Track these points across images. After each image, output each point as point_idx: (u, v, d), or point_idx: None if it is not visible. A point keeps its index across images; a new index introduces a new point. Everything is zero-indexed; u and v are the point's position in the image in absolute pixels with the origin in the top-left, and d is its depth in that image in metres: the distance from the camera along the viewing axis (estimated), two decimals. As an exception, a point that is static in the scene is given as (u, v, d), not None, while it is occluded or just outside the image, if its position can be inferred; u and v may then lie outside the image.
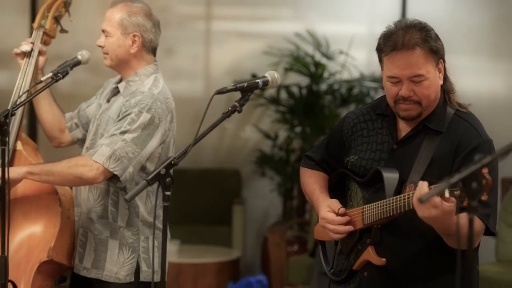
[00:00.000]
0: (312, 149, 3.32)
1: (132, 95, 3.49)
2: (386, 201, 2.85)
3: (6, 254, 3.25)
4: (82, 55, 3.59)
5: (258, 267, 7.39)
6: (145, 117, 3.41)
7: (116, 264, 3.51)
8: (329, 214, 3.01)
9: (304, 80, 7.13)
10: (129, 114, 3.42)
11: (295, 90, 7.14)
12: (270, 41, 7.33)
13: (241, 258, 6.97)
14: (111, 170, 3.36)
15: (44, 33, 3.73)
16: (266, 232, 6.90)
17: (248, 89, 2.93)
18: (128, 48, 3.53)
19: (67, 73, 3.50)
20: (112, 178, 3.41)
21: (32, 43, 3.69)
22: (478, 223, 2.80)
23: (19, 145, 3.60)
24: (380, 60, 2.92)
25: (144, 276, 3.51)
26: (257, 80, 2.96)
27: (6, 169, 3.22)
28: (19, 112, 3.58)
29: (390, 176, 2.90)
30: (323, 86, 7.10)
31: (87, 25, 6.70)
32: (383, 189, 2.89)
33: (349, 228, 2.99)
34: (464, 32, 7.12)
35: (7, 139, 3.24)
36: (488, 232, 2.85)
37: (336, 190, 3.17)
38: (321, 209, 3.06)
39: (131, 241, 3.51)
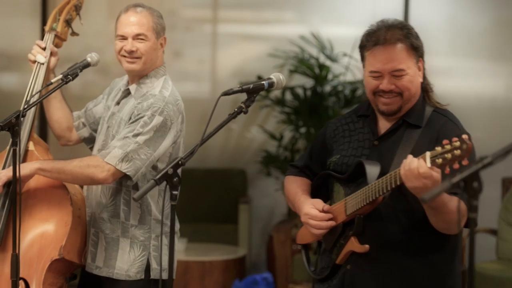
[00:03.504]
0: (296, 159, 3.37)
1: (144, 97, 3.48)
2: (369, 186, 2.89)
3: (17, 252, 3.29)
4: (91, 57, 3.58)
5: (264, 265, 7.39)
6: (157, 120, 3.40)
7: (127, 262, 3.50)
8: (312, 210, 3.06)
9: (308, 82, 7.14)
10: (142, 117, 3.41)
11: (299, 91, 7.15)
12: (275, 44, 7.32)
13: (247, 256, 6.95)
14: (123, 171, 3.36)
15: (56, 36, 3.74)
16: (271, 231, 6.88)
17: (254, 91, 2.97)
18: (159, 52, 3.53)
19: (77, 75, 3.49)
20: (123, 177, 3.41)
21: (46, 56, 3.68)
22: (463, 205, 2.79)
23: (31, 146, 3.60)
24: (362, 58, 2.99)
25: (154, 274, 3.50)
26: (262, 82, 3.00)
27: (17, 169, 3.25)
28: (31, 113, 3.60)
29: (372, 168, 2.94)
30: (327, 88, 7.11)
31: (97, 28, 6.79)
32: (365, 182, 2.92)
33: (331, 223, 3.03)
34: (465, 35, 7.02)
35: (18, 139, 3.27)
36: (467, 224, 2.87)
37: (319, 194, 3.19)
38: (304, 207, 3.10)
39: (143, 239, 3.50)
